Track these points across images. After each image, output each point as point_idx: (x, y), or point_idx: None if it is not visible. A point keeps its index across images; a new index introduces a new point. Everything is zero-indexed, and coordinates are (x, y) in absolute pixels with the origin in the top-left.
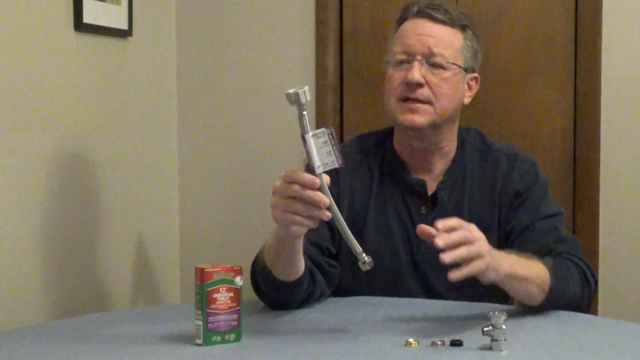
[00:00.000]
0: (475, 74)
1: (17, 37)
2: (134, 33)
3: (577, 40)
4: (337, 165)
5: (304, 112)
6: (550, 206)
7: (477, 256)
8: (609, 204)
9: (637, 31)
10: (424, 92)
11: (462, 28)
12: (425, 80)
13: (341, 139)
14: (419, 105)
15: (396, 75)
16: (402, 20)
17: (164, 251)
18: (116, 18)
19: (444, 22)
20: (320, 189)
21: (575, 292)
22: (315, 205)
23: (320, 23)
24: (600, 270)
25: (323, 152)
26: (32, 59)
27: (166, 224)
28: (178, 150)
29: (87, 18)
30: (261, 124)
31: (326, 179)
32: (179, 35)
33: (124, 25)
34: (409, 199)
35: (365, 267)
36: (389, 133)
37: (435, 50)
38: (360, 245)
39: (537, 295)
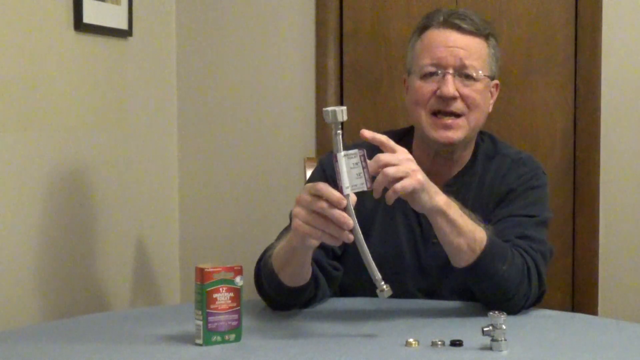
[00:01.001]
0: (496, 81)
1: (17, 37)
2: (134, 33)
3: (577, 40)
4: (365, 189)
5: (339, 131)
6: (531, 207)
7: (405, 175)
8: (609, 204)
9: (637, 31)
10: (458, 106)
11: (487, 37)
12: (459, 93)
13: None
14: (453, 120)
15: (426, 88)
16: (424, 28)
17: (164, 251)
18: (116, 18)
19: (471, 33)
20: (345, 209)
21: (509, 277)
22: (339, 226)
23: (320, 23)
24: (600, 270)
25: (353, 174)
26: (32, 59)
27: (166, 224)
28: (178, 150)
29: (87, 18)
30: (261, 123)
31: (353, 199)
32: (179, 35)
33: (124, 25)
34: None
35: (382, 295)
36: (405, 133)
37: (467, 62)
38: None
39: (465, 253)
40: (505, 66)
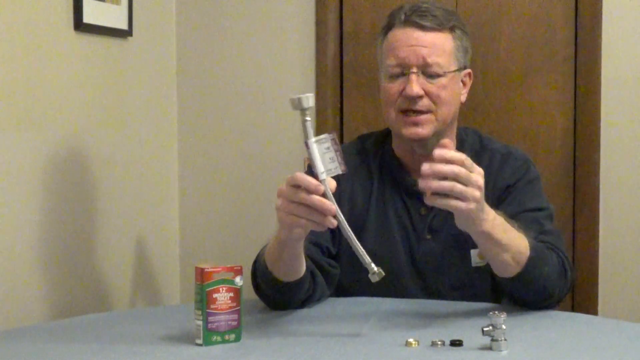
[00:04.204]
0: (468, 70)
1: (17, 37)
2: (134, 33)
3: (577, 40)
4: (340, 172)
5: (308, 118)
6: (537, 200)
7: (462, 197)
8: (609, 204)
9: (637, 31)
10: (424, 103)
11: (451, 29)
12: (424, 91)
13: (341, 139)
14: (421, 117)
15: (393, 88)
16: (388, 28)
17: (164, 251)
18: (116, 18)
19: (433, 29)
20: (324, 195)
21: (552, 277)
22: (320, 212)
23: (320, 23)
24: (600, 270)
25: (326, 158)
26: (32, 59)
27: (166, 224)
28: (178, 150)
29: (87, 18)
30: (261, 123)
31: (332, 184)
32: (179, 35)
33: (124, 25)
34: (408, 200)
35: (374, 279)
36: (388, 133)
37: (429, 60)
38: (362, 247)
39: (511, 266)
40: (505, 66)
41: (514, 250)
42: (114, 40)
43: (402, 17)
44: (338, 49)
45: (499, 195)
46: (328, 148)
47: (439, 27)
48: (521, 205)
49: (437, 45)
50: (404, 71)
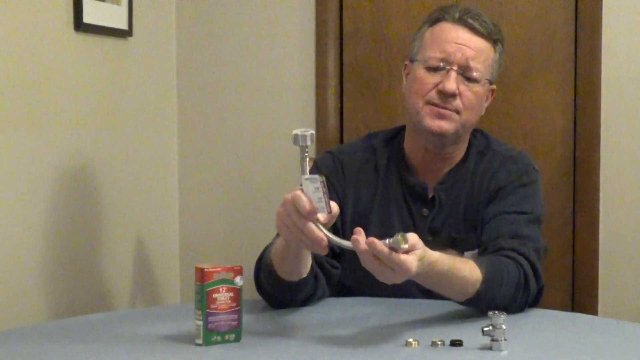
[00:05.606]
0: (494, 86)
1: (17, 37)
2: (134, 33)
3: (577, 40)
4: (325, 213)
5: (306, 154)
6: (522, 204)
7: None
8: (609, 204)
9: (637, 31)
10: (455, 103)
11: (495, 42)
12: (458, 91)
13: (341, 139)
14: (448, 111)
15: (429, 79)
16: (437, 20)
17: (164, 251)
18: (116, 18)
19: (482, 35)
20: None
21: (507, 295)
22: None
23: (320, 23)
24: (600, 270)
25: (315, 197)
26: (32, 59)
27: (166, 224)
28: (178, 150)
29: (87, 18)
30: (261, 123)
31: (335, 209)
32: (179, 35)
33: (124, 25)
34: (411, 200)
35: (402, 245)
36: (398, 132)
37: (472, 63)
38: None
39: (459, 296)
40: (505, 66)
41: (457, 289)
42: (114, 40)
43: (456, 14)
44: (338, 49)
45: (489, 196)
46: (317, 188)
47: (487, 35)
48: (503, 207)
49: (482, 52)
50: (444, 66)
